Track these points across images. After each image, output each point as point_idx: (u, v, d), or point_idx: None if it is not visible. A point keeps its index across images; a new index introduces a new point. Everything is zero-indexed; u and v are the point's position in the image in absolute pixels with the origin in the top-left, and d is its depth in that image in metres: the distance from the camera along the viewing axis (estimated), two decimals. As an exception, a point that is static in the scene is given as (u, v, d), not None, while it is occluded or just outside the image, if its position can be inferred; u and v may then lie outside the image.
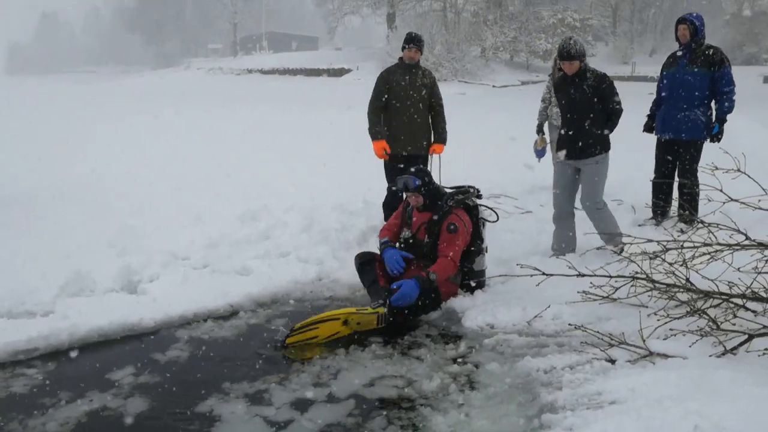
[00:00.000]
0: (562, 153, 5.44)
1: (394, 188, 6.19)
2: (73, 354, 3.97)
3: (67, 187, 7.91)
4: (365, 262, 4.81)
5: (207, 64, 52.30)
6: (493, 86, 32.48)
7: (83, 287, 4.80)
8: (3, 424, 3.18)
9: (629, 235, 4.39)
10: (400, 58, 6.18)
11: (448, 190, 4.93)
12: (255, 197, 7.10)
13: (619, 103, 5.30)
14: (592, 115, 5.28)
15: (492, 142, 8.40)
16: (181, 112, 17.65)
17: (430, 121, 6.24)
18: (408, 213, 4.90)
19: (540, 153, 7.67)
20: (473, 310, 4.43)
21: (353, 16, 49.89)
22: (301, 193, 7.50)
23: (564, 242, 5.54)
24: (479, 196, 4.98)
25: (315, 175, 8.67)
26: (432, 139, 6.26)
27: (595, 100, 5.26)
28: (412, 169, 4.82)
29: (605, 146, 5.38)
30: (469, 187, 4.99)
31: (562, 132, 5.46)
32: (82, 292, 4.77)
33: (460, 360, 3.84)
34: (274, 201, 6.95)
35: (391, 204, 6.20)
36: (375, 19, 49.73)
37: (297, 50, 60.90)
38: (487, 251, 4.95)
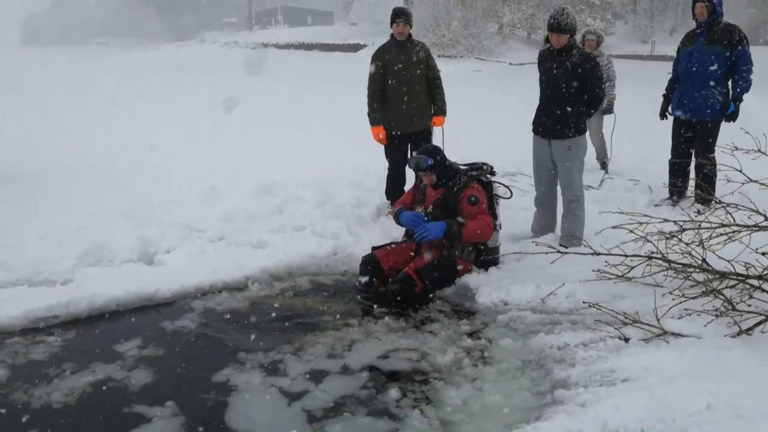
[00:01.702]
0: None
1: (393, 172, 6.19)
2: (91, 322, 4.05)
3: (82, 163, 7.98)
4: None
5: (222, 37, 52.04)
6: (510, 63, 32.10)
7: (101, 257, 4.88)
8: (29, 388, 3.26)
9: (646, 215, 4.37)
10: (392, 35, 6.07)
11: (462, 167, 4.92)
12: (270, 172, 7.12)
13: (600, 88, 5.12)
14: (569, 94, 5.10)
15: (507, 119, 8.34)
16: (197, 86, 17.64)
17: (428, 94, 6.13)
18: (421, 191, 4.89)
19: None
20: (487, 287, 4.43)
21: (369, -9, 49.32)
22: (316, 168, 7.50)
23: (542, 223, 5.47)
24: (493, 173, 4.96)
25: (329, 151, 8.66)
26: (432, 112, 6.18)
27: (576, 79, 5.07)
28: (424, 148, 4.80)
29: (579, 129, 5.18)
30: (483, 164, 4.97)
31: (539, 106, 5.31)
32: (100, 262, 4.85)
33: (473, 335, 3.87)
34: (289, 176, 6.96)
35: (394, 192, 6.20)
36: (391, -6, 49.20)
37: (312, 25, 60.52)
38: (500, 228, 4.94)
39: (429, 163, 4.62)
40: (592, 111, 5.23)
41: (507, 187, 4.95)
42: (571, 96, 5.11)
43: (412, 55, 5.99)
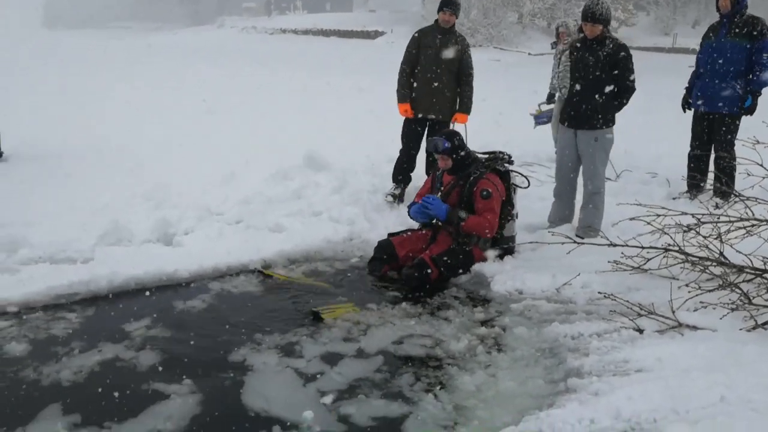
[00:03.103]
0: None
1: (404, 155, 6.20)
2: (110, 300, 4.11)
3: (103, 145, 8.07)
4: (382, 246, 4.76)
5: (241, 23, 52.10)
6: (529, 54, 31.90)
7: (121, 237, 4.94)
8: (46, 363, 3.32)
9: (663, 207, 4.35)
10: (436, 20, 6.11)
11: (480, 155, 4.92)
12: (288, 157, 7.16)
13: (632, 80, 5.06)
14: (601, 85, 5.06)
15: (524, 110, 8.31)
16: (215, 71, 17.70)
17: (457, 88, 6.14)
18: (438, 178, 4.91)
19: (537, 119, 7.97)
20: (502, 275, 4.45)
21: (389, -22, 49.14)
22: (333, 154, 7.52)
23: (559, 214, 5.47)
24: (511, 162, 4.96)
25: (347, 138, 8.68)
26: (456, 108, 6.18)
27: (608, 69, 5.03)
28: (445, 131, 4.82)
29: (607, 120, 5.13)
30: (500, 152, 4.98)
31: (569, 96, 5.28)
32: (120, 242, 4.91)
33: (487, 323, 3.89)
34: (306, 162, 7.00)
35: (400, 174, 6.21)
36: (411, -19, 48.98)
37: (331, 11, 60.35)
38: (517, 217, 4.95)
39: (446, 145, 4.64)
40: (624, 102, 5.14)
41: (525, 176, 4.95)
42: (602, 87, 5.08)
43: (449, 44, 6.00)
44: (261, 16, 62.36)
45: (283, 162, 6.80)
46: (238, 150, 7.83)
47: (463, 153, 4.74)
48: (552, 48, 8.16)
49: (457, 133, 4.81)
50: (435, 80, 6.00)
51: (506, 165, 4.89)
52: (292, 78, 17.26)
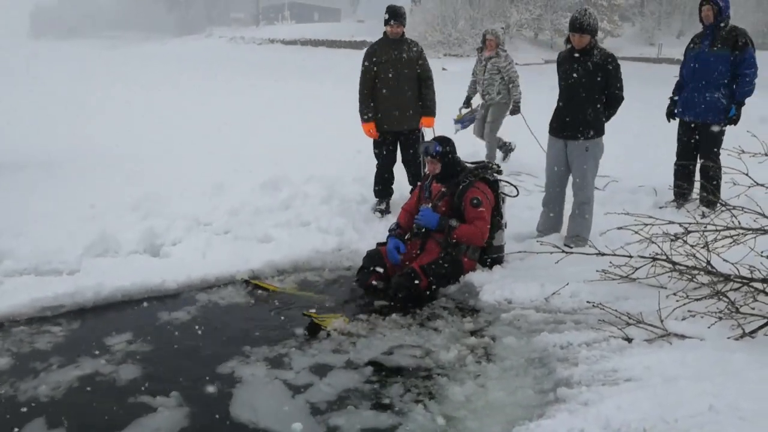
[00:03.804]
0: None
1: (381, 171, 6.18)
2: (97, 312, 4.08)
3: (90, 154, 8.02)
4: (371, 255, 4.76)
5: (229, 32, 52.13)
6: (516, 64, 32.05)
7: (108, 248, 4.91)
8: (29, 377, 3.28)
9: (651, 217, 4.38)
10: (384, 33, 6.04)
11: (469, 165, 4.94)
12: (276, 168, 7.14)
13: (621, 89, 5.11)
14: (589, 95, 5.09)
15: (511, 119, 8.36)
16: (203, 81, 17.68)
17: (419, 94, 6.08)
18: (426, 187, 4.91)
19: (458, 123, 8.29)
20: (491, 285, 4.45)
21: (377, -11, 49.37)
22: (322, 164, 7.52)
23: (548, 223, 5.48)
24: (499, 172, 4.98)
25: (335, 147, 8.67)
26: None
27: (597, 80, 5.06)
28: (438, 136, 4.87)
29: (598, 130, 5.17)
30: (489, 162, 4.99)
31: (558, 107, 5.30)
32: (107, 253, 4.87)
33: (477, 333, 3.89)
34: (294, 172, 6.99)
35: (383, 191, 6.20)
36: (399, -8, 49.18)
37: (319, 21, 60.51)
38: (506, 227, 4.96)
39: (438, 149, 4.67)
40: (613, 111, 5.20)
41: (514, 185, 4.97)
42: (591, 97, 5.11)
43: (403, 54, 5.96)
44: (249, 26, 62.44)
45: (271, 173, 6.78)
46: (228, 159, 7.80)
47: (452, 158, 4.77)
48: (477, 54, 8.36)
49: (449, 140, 4.84)
50: (397, 92, 5.95)
51: (495, 175, 4.91)
52: (281, 87, 17.26)
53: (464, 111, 8.44)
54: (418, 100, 6.08)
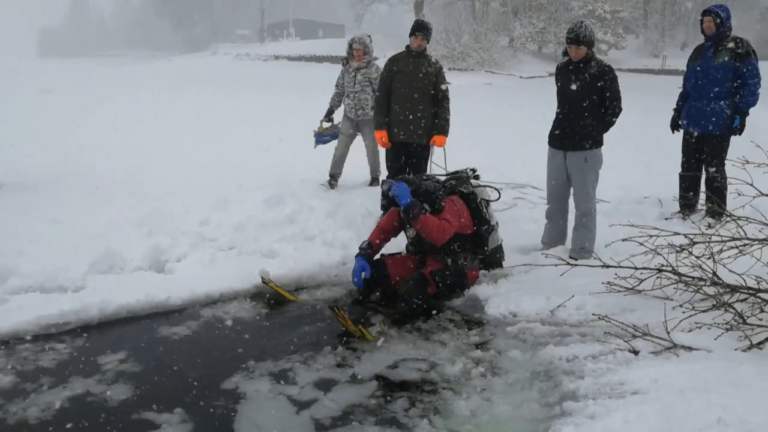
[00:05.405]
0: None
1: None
2: (102, 329, 4.07)
3: (94, 171, 8.05)
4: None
5: (234, 49, 52.45)
6: (520, 77, 32.17)
7: (113, 265, 4.91)
8: (34, 395, 3.28)
9: (656, 228, 4.36)
10: (407, 46, 6.13)
11: (442, 178, 4.89)
12: (281, 182, 7.16)
13: (618, 101, 5.12)
14: (587, 106, 5.11)
15: (516, 132, 8.36)
16: (209, 97, 17.80)
17: (434, 112, 6.10)
18: None
19: (319, 138, 7.72)
20: (496, 298, 4.44)
21: (380, 4, 49.71)
22: (327, 178, 7.53)
23: (552, 236, 5.47)
24: (476, 177, 4.94)
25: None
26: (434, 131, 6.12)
27: (595, 91, 5.08)
28: (397, 180, 4.55)
29: (596, 141, 5.18)
30: (465, 170, 4.94)
31: (557, 118, 5.31)
32: (112, 269, 4.88)
33: (482, 346, 3.87)
34: (299, 186, 7.01)
35: (388, 207, 6.15)
36: (402, 7, 49.50)
37: (324, 37, 60.85)
38: (498, 226, 4.91)
39: (404, 202, 4.35)
40: (612, 122, 5.20)
41: (494, 188, 4.93)
42: (588, 108, 5.12)
43: (422, 68, 6.02)
44: (254, 42, 62.85)
45: (276, 187, 6.80)
46: (232, 175, 7.82)
47: (423, 190, 4.48)
48: (343, 65, 7.58)
49: (409, 179, 4.55)
50: (409, 104, 6.01)
51: (470, 184, 4.83)
52: (286, 100, 17.34)
53: (326, 125, 7.79)
54: (431, 117, 6.11)
